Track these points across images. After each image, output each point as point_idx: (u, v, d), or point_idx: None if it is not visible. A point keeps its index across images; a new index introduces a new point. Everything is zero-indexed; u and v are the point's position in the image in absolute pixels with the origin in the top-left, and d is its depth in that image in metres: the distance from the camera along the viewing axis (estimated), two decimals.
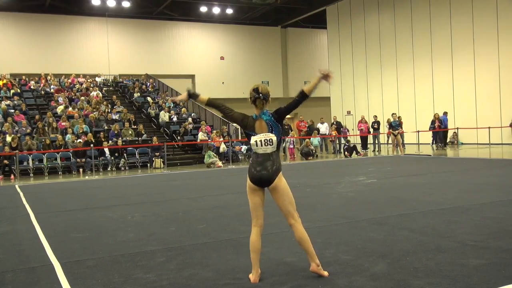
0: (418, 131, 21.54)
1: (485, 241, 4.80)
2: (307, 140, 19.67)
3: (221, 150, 18.68)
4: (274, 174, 3.91)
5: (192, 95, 4.17)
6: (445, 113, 21.66)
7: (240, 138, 20.84)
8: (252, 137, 3.94)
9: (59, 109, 20.78)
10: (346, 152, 19.24)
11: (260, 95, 3.93)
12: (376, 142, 21.87)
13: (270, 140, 3.90)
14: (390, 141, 21.93)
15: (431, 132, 21.90)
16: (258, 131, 3.93)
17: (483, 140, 21.15)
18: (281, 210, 4.03)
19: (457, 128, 22.10)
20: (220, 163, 17.51)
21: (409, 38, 25.07)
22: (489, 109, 20.97)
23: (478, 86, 21.88)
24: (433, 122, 21.52)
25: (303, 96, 3.95)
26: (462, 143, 22.18)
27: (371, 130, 22.20)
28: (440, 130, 21.40)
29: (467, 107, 22.16)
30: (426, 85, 24.28)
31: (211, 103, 4.12)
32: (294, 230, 3.98)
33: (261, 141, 3.89)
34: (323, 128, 22.72)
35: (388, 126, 20.14)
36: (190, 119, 21.71)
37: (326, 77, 4.05)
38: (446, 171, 11.91)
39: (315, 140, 20.88)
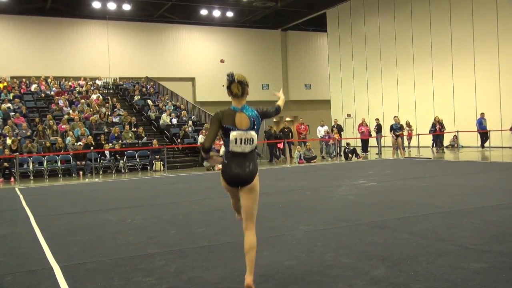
0: (418, 134, 21.54)
1: (486, 244, 4.80)
2: (308, 143, 19.67)
3: (221, 153, 18.68)
4: (253, 174, 3.68)
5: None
6: (482, 114, 20.96)
7: None
8: (231, 131, 3.62)
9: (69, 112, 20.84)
10: (350, 155, 19.23)
11: (235, 79, 3.67)
12: (377, 145, 21.87)
13: (251, 140, 3.66)
14: (404, 143, 22.30)
15: (431, 135, 21.90)
16: (238, 125, 3.64)
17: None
18: (244, 211, 3.74)
19: (457, 131, 22.10)
20: (220, 166, 17.46)
21: (409, 41, 25.09)
22: (489, 112, 20.94)
23: (478, 89, 21.88)
24: (433, 125, 21.51)
25: (279, 111, 3.98)
26: (463, 146, 22.16)
27: (373, 133, 22.17)
28: (440, 133, 21.39)
29: (467, 110, 22.15)
30: (426, 88, 24.28)
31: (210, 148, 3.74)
32: (248, 235, 3.73)
33: (241, 139, 3.62)
34: (323, 131, 22.73)
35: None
36: (190, 122, 21.72)
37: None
38: (446, 174, 11.90)
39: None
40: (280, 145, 21.22)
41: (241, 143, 3.63)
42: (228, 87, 3.71)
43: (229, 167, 3.69)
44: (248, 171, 3.65)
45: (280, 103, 4.11)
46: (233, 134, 3.61)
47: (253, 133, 3.66)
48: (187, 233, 6.10)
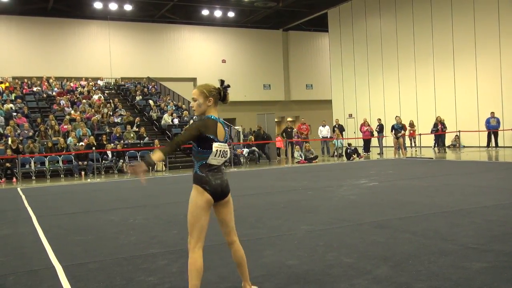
0: (420, 134, 21.53)
1: (488, 244, 4.79)
2: (306, 144, 19.67)
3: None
4: (228, 185, 3.54)
5: (149, 162, 3.34)
6: (492, 113, 20.49)
7: (241, 141, 20.87)
8: (214, 143, 3.36)
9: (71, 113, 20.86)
10: (354, 155, 19.22)
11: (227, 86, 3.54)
12: (378, 145, 21.89)
13: (226, 152, 3.46)
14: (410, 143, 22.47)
15: (433, 135, 21.88)
16: (219, 137, 3.41)
17: (485, 143, 21.12)
18: (227, 226, 3.59)
19: (459, 131, 22.07)
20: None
21: (410, 41, 25.07)
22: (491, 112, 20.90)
23: (480, 89, 21.85)
24: (435, 125, 21.46)
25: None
26: (464, 146, 22.14)
27: (375, 133, 22.18)
28: (442, 133, 21.36)
29: (469, 110, 22.12)
30: (427, 88, 24.26)
31: (170, 152, 3.44)
32: (235, 248, 3.60)
33: (220, 151, 3.40)
34: (325, 131, 22.76)
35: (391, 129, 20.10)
36: (191, 122, 21.71)
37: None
38: (448, 174, 11.89)
39: (338, 142, 21.02)
40: (278, 145, 21.24)
41: (219, 155, 3.41)
42: (225, 95, 3.51)
43: (212, 179, 3.40)
44: (226, 183, 3.49)
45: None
46: (215, 146, 3.37)
47: (227, 145, 3.49)
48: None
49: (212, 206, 3.47)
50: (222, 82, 3.55)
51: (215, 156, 3.38)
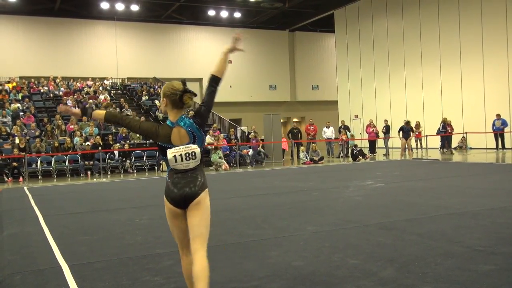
0: (426, 136, 21.44)
1: (494, 246, 4.77)
2: (313, 145, 19.65)
3: (213, 158, 18.59)
4: (200, 189, 3.23)
5: (86, 113, 3.55)
6: (498, 115, 20.38)
7: (247, 141, 20.86)
8: (168, 150, 3.19)
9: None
10: (360, 156, 19.18)
11: (190, 89, 3.25)
12: (384, 146, 21.81)
13: (193, 154, 3.21)
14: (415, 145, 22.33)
15: (439, 137, 21.80)
16: (176, 142, 3.20)
17: (492, 144, 21.03)
18: (192, 230, 3.21)
19: (466, 133, 21.97)
20: (227, 166, 17.52)
21: (417, 42, 24.99)
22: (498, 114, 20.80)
23: (487, 91, 21.74)
24: (443, 126, 21.37)
25: (217, 81, 3.37)
26: (471, 148, 22.04)
27: (381, 134, 22.08)
28: (448, 135, 21.27)
29: (475, 112, 22.02)
30: (434, 90, 24.17)
31: (110, 118, 3.41)
32: (196, 258, 3.13)
33: (181, 155, 3.18)
34: (329, 132, 22.70)
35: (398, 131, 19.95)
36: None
37: (236, 44, 3.48)
38: (454, 176, 11.83)
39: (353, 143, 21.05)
40: (283, 146, 21.18)
41: (182, 160, 3.19)
42: (180, 98, 3.22)
43: (174, 186, 3.22)
44: (195, 189, 3.22)
45: (217, 70, 3.41)
46: (170, 152, 3.19)
47: (194, 146, 3.22)
48: None
49: (182, 213, 3.25)
50: (183, 83, 3.29)
51: (175, 162, 3.19)
